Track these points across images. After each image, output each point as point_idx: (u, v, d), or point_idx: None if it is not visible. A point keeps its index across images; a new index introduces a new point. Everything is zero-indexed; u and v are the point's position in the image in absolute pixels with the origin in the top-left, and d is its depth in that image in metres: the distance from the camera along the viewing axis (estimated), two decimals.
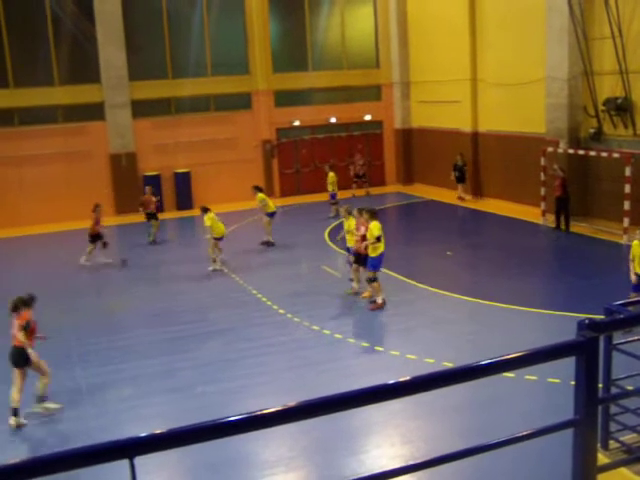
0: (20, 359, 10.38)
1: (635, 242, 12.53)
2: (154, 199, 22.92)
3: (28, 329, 10.44)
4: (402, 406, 9.72)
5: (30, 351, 10.39)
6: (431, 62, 29.47)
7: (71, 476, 2.37)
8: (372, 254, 14.78)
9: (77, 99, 27.23)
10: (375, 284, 14.93)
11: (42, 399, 10.69)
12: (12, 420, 10.22)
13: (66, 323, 14.97)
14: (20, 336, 10.32)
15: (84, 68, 27.41)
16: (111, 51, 27.23)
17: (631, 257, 12.62)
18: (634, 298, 12.00)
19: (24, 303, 10.56)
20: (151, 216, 22.79)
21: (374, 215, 14.84)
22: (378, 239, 14.58)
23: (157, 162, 28.38)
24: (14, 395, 10.24)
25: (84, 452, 2.01)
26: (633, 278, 12.54)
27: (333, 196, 25.40)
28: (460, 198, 27.30)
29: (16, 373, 10.38)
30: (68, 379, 11.96)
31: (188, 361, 12.60)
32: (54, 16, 26.70)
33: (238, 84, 29.63)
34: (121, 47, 27.35)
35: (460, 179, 27.28)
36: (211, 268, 18.74)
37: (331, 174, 25.85)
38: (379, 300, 14.94)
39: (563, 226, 20.97)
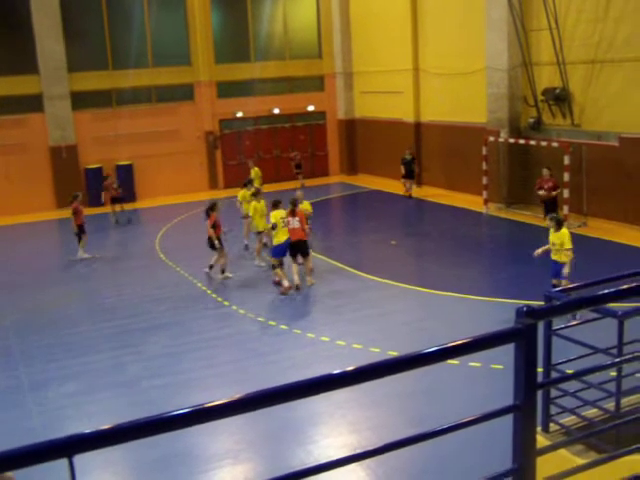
0: (209, 244, 16.34)
1: (551, 230, 12.79)
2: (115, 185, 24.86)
3: (215, 227, 16.21)
4: (348, 396, 9.77)
5: (216, 241, 16.20)
6: (373, 52, 29.58)
7: None
8: (273, 243, 15.87)
9: (14, 90, 26.51)
10: (277, 270, 15.62)
11: (222, 271, 16.70)
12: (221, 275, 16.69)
13: (7, 319, 14.66)
14: (210, 231, 16.13)
15: (21, 59, 26.72)
16: (49, 41, 26.56)
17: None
18: (555, 283, 12.34)
19: (211, 209, 16.34)
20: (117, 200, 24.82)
21: (275, 205, 15.89)
22: (273, 227, 15.61)
23: (99, 155, 27.87)
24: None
25: (16, 453, 1.93)
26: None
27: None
28: (408, 193, 25.92)
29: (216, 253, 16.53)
30: (10, 377, 11.72)
31: (133, 355, 12.48)
32: None
33: (180, 75, 29.30)
34: (59, 37, 26.71)
35: (408, 175, 25.82)
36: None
37: (255, 169, 24.92)
38: (285, 284, 15.42)
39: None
